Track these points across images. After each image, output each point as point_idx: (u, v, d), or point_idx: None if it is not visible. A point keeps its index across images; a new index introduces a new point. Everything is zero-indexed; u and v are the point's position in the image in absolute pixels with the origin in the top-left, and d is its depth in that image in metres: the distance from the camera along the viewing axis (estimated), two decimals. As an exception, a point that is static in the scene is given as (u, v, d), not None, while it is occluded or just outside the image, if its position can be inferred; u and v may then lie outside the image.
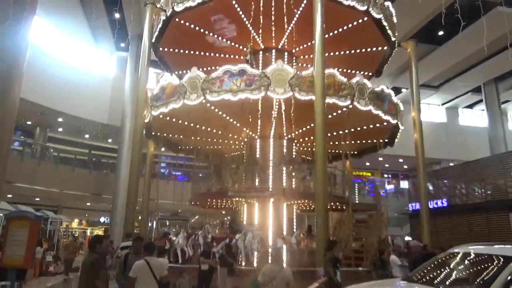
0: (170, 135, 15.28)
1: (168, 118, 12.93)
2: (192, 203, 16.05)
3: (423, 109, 24.84)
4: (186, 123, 13.41)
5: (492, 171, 16.93)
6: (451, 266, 5.48)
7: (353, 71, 14.70)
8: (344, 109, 11.63)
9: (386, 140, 14.86)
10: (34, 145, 24.06)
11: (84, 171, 24.12)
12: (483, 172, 17.39)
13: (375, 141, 15.16)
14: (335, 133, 14.26)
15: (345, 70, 14.74)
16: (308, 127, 13.43)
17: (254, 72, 11.05)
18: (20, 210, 14.26)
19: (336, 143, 15.06)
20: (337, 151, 16.53)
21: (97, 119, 25.98)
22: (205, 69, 13.62)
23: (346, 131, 13.31)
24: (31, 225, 9.08)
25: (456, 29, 16.00)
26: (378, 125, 13.27)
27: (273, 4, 11.91)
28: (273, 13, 12.25)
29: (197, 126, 13.86)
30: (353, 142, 14.97)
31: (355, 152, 16.61)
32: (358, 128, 13.65)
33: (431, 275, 5.45)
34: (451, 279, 5.25)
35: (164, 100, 12.04)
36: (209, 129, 14.27)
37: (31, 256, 9.90)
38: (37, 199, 23.88)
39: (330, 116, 11.51)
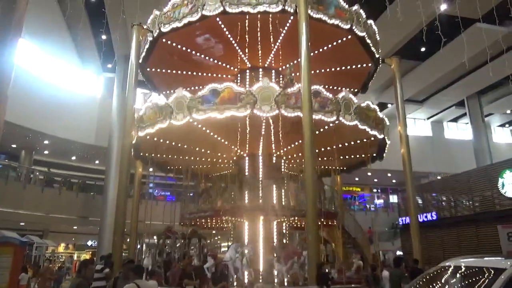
0: (158, 155, 15.18)
1: (155, 138, 12.89)
2: (182, 223, 15.84)
3: (409, 124, 25.27)
4: (173, 143, 13.39)
5: (479, 183, 17.14)
6: (443, 280, 5.47)
7: (339, 88, 14.92)
8: (331, 124, 11.73)
9: (374, 155, 15.01)
10: (19, 169, 23.61)
11: (71, 193, 23.70)
12: (470, 184, 17.60)
13: (363, 156, 15.29)
14: (323, 149, 14.35)
15: (331, 87, 14.96)
16: (296, 143, 13.50)
17: (240, 90, 11.14)
18: (4, 235, 13.83)
19: (325, 158, 15.15)
20: (326, 167, 16.66)
21: (83, 140, 25.70)
22: (192, 88, 13.68)
23: (334, 147, 13.41)
24: (16, 251, 8.82)
25: (437, 45, 16.48)
26: (365, 140, 13.41)
27: (258, 23, 12.09)
28: (259, 32, 12.43)
29: (185, 146, 13.84)
30: (341, 157, 15.07)
31: (344, 168, 16.75)
32: (346, 144, 13.76)
33: (423, 290, 5.43)
34: (443, 293, 5.23)
35: (150, 121, 12.05)
36: (197, 148, 14.25)
37: (15, 283, 9.57)
38: (22, 223, 23.28)
39: (317, 132, 11.56)
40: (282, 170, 15.31)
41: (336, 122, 11.51)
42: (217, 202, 14.81)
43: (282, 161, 15.42)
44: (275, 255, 12.54)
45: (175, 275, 10.87)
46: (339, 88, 12.82)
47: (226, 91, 11.08)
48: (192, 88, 13.99)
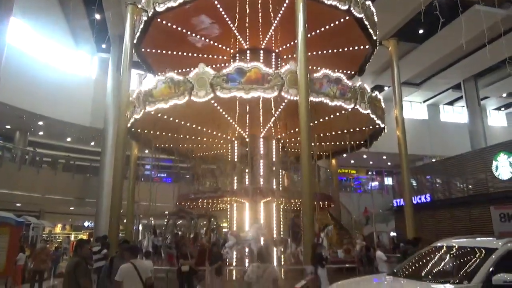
0: (158, 133, 14.91)
1: (159, 115, 12.51)
2: (183, 203, 15.91)
3: (405, 107, 25.25)
4: (177, 121, 13.20)
5: (473, 166, 17.29)
6: (436, 260, 5.57)
7: (337, 70, 14.87)
8: (343, 111, 12.02)
9: (362, 142, 15.32)
10: (14, 150, 23.48)
11: (67, 175, 23.65)
12: (465, 167, 17.74)
13: (358, 142, 15.51)
14: (322, 135, 14.55)
15: (328, 70, 14.89)
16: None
17: (268, 71, 11.04)
18: (0, 216, 13.89)
19: (323, 144, 15.35)
20: (322, 152, 16.80)
21: (79, 121, 25.49)
22: (188, 69, 13.53)
23: (339, 132, 13.66)
24: (12, 232, 8.88)
25: (436, 27, 16.30)
26: (371, 127, 13.71)
27: (255, 4, 11.90)
28: (255, 13, 12.24)
29: (188, 124, 13.67)
30: (339, 142, 15.33)
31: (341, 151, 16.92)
32: (351, 130, 14.07)
33: (416, 269, 5.53)
34: (435, 272, 5.33)
35: (163, 96, 11.60)
36: (199, 127, 14.15)
37: (12, 263, 9.67)
38: (18, 204, 23.31)
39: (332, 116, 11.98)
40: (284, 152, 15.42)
41: (352, 109, 11.78)
42: (222, 183, 14.77)
43: (282, 144, 15.51)
44: (274, 236, 12.78)
45: (202, 253, 10.92)
46: (337, 71, 12.79)
47: (253, 71, 10.95)
48: (188, 69, 13.81)
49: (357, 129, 13.93)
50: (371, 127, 13.84)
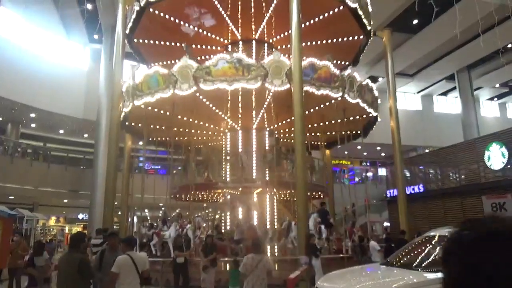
0: (152, 126, 14.85)
1: (149, 107, 12.56)
2: (177, 196, 15.85)
3: (399, 97, 25.28)
4: (168, 113, 13.13)
5: (466, 156, 17.41)
6: (428, 249, 5.62)
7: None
8: (333, 101, 11.92)
9: (359, 132, 15.29)
10: (6, 142, 23.26)
11: (60, 167, 23.50)
12: (457, 158, 17.87)
13: (353, 132, 15.50)
14: (315, 125, 14.50)
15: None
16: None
17: (250, 62, 10.98)
18: (-7, 209, 13.78)
19: (318, 134, 15.32)
20: (316, 142, 16.79)
21: (71, 113, 25.23)
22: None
23: (327, 122, 13.56)
24: (4, 224, 8.83)
25: (430, 17, 16.28)
26: (365, 116, 13.67)
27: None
28: (248, 2, 12.14)
29: (179, 117, 13.61)
30: (333, 133, 15.31)
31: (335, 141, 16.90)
32: (345, 120, 13.99)
33: (408, 259, 5.58)
34: (428, 262, 5.39)
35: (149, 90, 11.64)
36: (190, 120, 14.08)
37: (5, 256, 9.62)
38: (11, 197, 23.17)
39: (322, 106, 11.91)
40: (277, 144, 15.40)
41: (340, 98, 11.71)
42: (215, 174, 14.72)
43: (275, 134, 15.48)
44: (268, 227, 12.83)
45: (224, 248, 11.01)
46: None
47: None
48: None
49: (351, 118, 13.85)
50: (364, 116, 13.77)
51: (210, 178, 14.53)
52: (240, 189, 13.86)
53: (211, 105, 12.61)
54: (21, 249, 10.99)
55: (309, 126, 14.43)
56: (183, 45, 13.37)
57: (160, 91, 11.28)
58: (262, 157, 14.07)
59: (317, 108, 12.74)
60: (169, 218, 15.99)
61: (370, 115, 13.51)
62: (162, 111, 12.96)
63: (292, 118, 13.46)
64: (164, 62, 14.66)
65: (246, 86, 10.75)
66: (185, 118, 13.84)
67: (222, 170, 14.65)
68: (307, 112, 12.70)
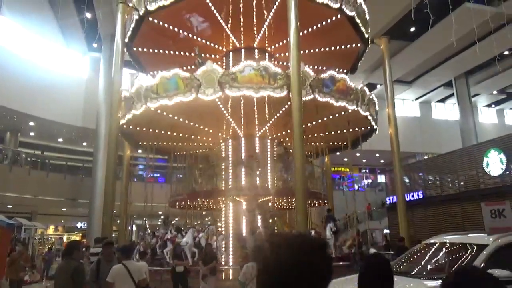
0: (156, 131, 14.64)
1: (159, 111, 12.28)
2: (177, 204, 15.76)
3: (398, 104, 25.37)
4: (176, 118, 12.95)
5: (464, 162, 17.42)
6: (428, 256, 5.61)
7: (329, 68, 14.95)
8: (343, 112, 12.34)
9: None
10: (5, 151, 23.22)
11: (59, 175, 23.45)
12: (456, 164, 17.88)
13: (351, 141, 15.70)
14: (316, 135, 14.69)
15: (320, 68, 14.92)
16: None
17: (276, 71, 11.11)
18: (-9, 218, 13.71)
19: (317, 144, 15.45)
20: (314, 149, 16.87)
21: (70, 122, 25.23)
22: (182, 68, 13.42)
23: (333, 132, 13.78)
24: (3, 233, 8.78)
25: (427, 25, 16.41)
26: (368, 127, 14.15)
27: (247, 2, 11.87)
28: (247, 11, 12.21)
29: (186, 122, 13.48)
30: (332, 142, 15.51)
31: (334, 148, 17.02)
32: (350, 130, 14.24)
33: (408, 266, 5.56)
34: (428, 269, 5.37)
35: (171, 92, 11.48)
36: (197, 125, 13.97)
37: (3, 265, 9.55)
38: (9, 206, 23.08)
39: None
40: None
41: (353, 110, 12.11)
42: (215, 181, 14.61)
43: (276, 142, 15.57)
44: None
45: None
46: (325, 68, 12.95)
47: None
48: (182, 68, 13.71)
49: (350, 130, 14.02)
50: (366, 127, 14.14)
51: (217, 185, 14.40)
52: (247, 196, 13.77)
53: (224, 111, 12.45)
54: (24, 259, 10.80)
55: (315, 135, 14.79)
56: (194, 48, 13.46)
57: (180, 95, 11.11)
58: (273, 165, 14.16)
59: (326, 118, 13.12)
60: (172, 223, 15.96)
61: (369, 127, 13.80)
62: (170, 115, 12.73)
63: (305, 125, 13.75)
64: (163, 71, 14.67)
65: (273, 95, 10.90)
66: (191, 124, 13.69)
67: (229, 177, 14.51)
68: (319, 121, 13.22)
